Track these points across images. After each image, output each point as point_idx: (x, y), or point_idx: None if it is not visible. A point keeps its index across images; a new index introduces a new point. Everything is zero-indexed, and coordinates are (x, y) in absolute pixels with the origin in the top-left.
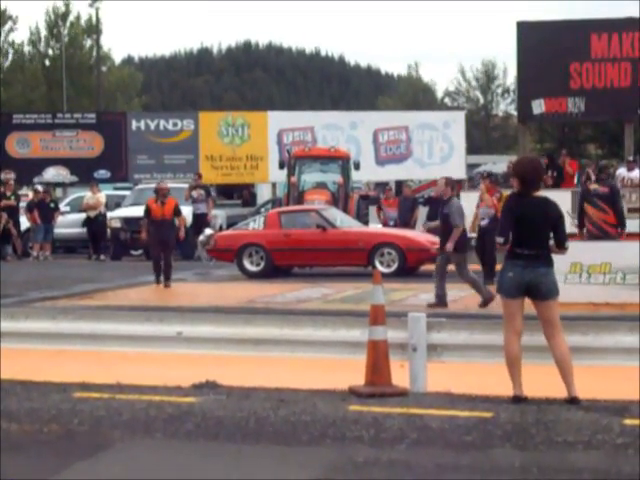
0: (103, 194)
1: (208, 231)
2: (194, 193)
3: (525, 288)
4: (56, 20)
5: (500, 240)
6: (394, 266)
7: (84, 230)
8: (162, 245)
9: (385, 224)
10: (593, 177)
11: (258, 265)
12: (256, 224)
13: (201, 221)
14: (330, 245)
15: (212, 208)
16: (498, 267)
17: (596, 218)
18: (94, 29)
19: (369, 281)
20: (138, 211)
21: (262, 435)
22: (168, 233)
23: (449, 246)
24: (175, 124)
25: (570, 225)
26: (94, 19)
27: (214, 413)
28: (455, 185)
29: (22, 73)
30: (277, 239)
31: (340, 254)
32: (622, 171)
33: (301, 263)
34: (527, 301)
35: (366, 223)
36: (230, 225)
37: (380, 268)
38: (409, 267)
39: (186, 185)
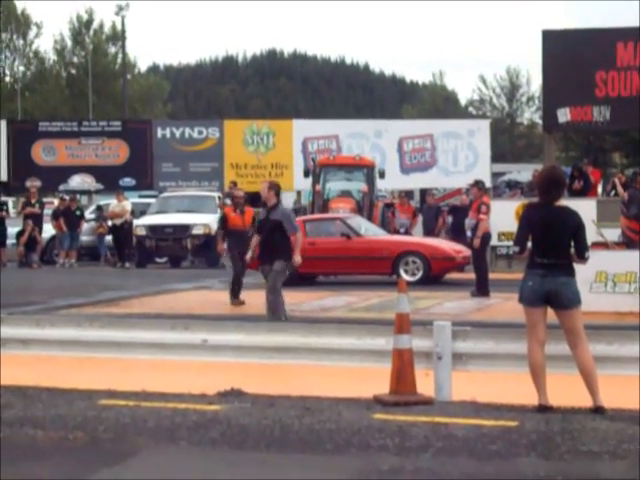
0: (129, 202)
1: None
2: (228, 201)
3: (545, 297)
4: (80, 28)
5: (515, 249)
6: (419, 274)
7: (109, 238)
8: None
9: (396, 231)
10: (619, 186)
11: None
12: None
13: None
14: (354, 253)
15: None
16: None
17: (623, 225)
18: (118, 37)
19: (393, 289)
20: (163, 219)
21: (287, 443)
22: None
23: (296, 259)
24: (200, 132)
25: (595, 234)
26: (119, 27)
27: (239, 421)
28: (279, 190)
29: (46, 82)
30: (302, 247)
31: (364, 262)
32: None
33: (325, 271)
34: (551, 310)
35: (389, 232)
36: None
37: (405, 277)
38: (434, 275)
39: (212, 193)
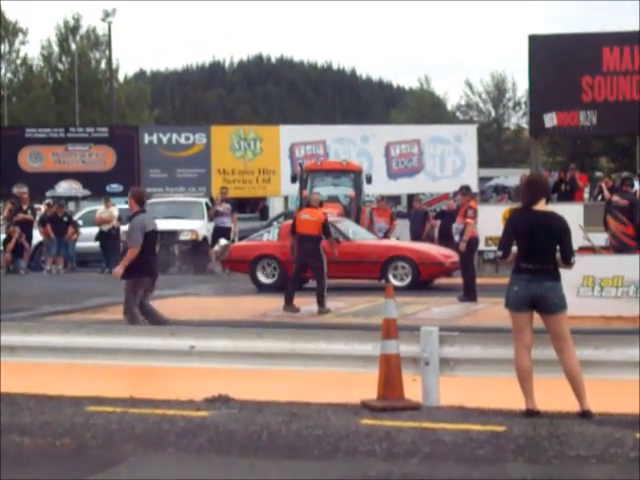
0: (116, 208)
1: (223, 242)
2: (219, 207)
3: (531, 302)
4: (66, 34)
5: (499, 254)
6: (407, 280)
7: (97, 244)
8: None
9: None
10: (606, 191)
11: (271, 277)
12: (270, 235)
13: (225, 235)
14: (343, 258)
15: (236, 222)
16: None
17: (616, 230)
18: (102, 43)
19: (381, 295)
20: None
21: (274, 449)
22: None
23: (119, 270)
24: (187, 138)
25: (582, 239)
26: (105, 33)
27: (226, 427)
28: (144, 199)
29: (32, 89)
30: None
31: (353, 267)
32: (635, 185)
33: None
34: (538, 315)
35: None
36: (242, 238)
37: (393, 282)
38: (422, 281)
39: (200, 199)
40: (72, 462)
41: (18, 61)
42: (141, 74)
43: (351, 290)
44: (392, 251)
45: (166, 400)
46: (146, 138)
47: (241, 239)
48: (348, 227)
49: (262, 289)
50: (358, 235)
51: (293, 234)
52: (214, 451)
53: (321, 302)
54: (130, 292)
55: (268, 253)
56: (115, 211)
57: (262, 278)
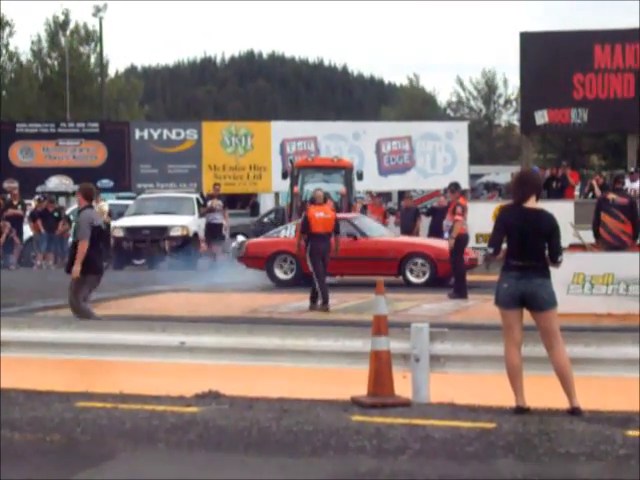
0: (106, 203)
1: (241, 238)
2: (211, 203)
3: (521, 299)
4: (56, 30)
5: (490, 251)
6: (425, 277)
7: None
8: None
9: None
10: (597, 188)
11: (288, 273)
12: (287, 232)
13: (217, 231)
14: (361, 254)
15: (228, 218)
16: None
17: (614, 228)
18: (93, 38)
19: (372, 291)
20: (141, 220)
21: (265, 445)
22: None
23: (75, 269)
24: (178, 134)
25: (572, 236)
26: (97, 29)
27: (216, 423)
28: (94, 194)
29: (21, 83)
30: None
31: (371, 263)
32: (626, 182)
33: (332, 272)
34: (528, 312)
35: None
36: (233, 235)
37: (411, 278)
38: (440, 278)
39: (191, 195)
40: (62, 458)
41: (6, 55)
42: (132, 69)
43: (342, 287)
44: (410, 247)
45: (156, 396)
46: (137, 134)
47: (232, 235)
48: (365, 223)
49: (280, 285)
50: (375, 232)
51: (304, 232)
52: (204, 447)
53: (315, 298)
54: (75, 289)
55: (285, 249)
56: (105, 206)
57: (279, 274)
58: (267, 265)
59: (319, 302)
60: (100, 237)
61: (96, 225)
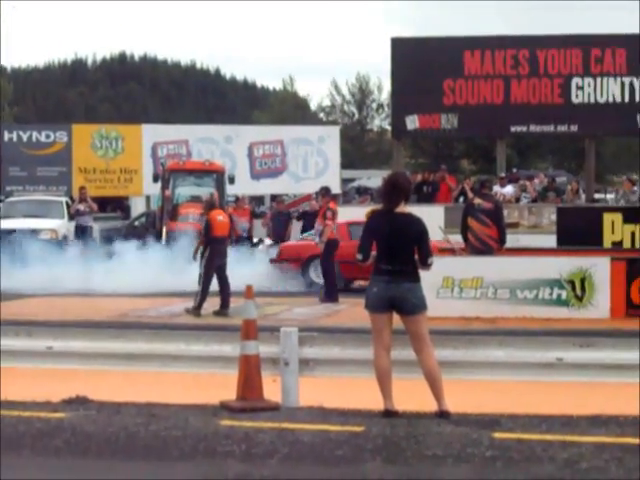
0: None
1: (267, 242)
2: (80, 206)
3: (390, 303)
4: None
5: (359, 257)
6: None
7: None
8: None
9: (238, 235)
10: (469, 192)
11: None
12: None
13: (86, 234)
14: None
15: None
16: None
17: (480, 233)
18: None
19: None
20: (9, 224)
21: (132, 450)
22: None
23: None
24: (48, 136)
25: (443, 240)
26: None
27: (84, 428)
28: None
29: None
30: (346, 251)
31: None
32: (496, 187)
33: (365, 276)
34: (397, 316)
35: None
36: (105, 238)
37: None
38: None
39: (60, 198)
40: None
41: None
42: (1, 71)
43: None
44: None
45: (22, 402)
46: (6, 136)
47: (104, 239)
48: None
49: (313, 288)
50: None
51: (206, 236)
52: (71, 453)
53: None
54: None
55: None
56: None
57: (314, 277)
58: (302, 268)
59: (192, 306)
60: None
61: None
